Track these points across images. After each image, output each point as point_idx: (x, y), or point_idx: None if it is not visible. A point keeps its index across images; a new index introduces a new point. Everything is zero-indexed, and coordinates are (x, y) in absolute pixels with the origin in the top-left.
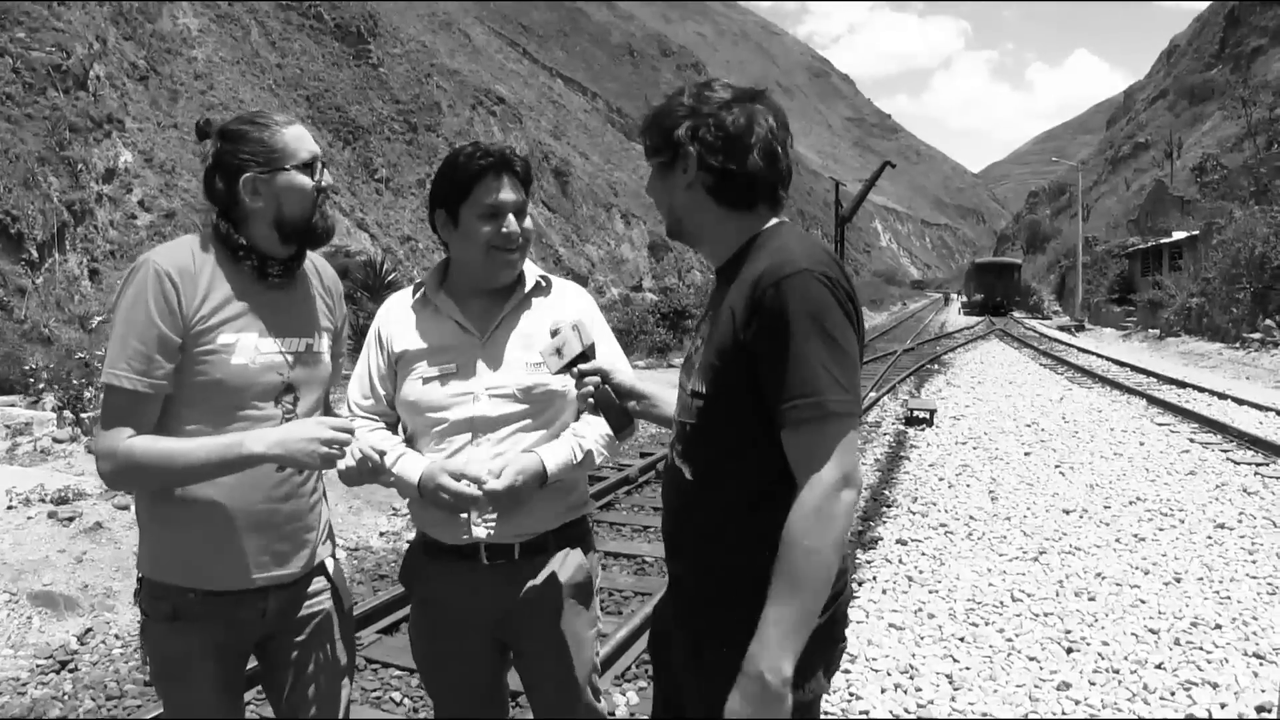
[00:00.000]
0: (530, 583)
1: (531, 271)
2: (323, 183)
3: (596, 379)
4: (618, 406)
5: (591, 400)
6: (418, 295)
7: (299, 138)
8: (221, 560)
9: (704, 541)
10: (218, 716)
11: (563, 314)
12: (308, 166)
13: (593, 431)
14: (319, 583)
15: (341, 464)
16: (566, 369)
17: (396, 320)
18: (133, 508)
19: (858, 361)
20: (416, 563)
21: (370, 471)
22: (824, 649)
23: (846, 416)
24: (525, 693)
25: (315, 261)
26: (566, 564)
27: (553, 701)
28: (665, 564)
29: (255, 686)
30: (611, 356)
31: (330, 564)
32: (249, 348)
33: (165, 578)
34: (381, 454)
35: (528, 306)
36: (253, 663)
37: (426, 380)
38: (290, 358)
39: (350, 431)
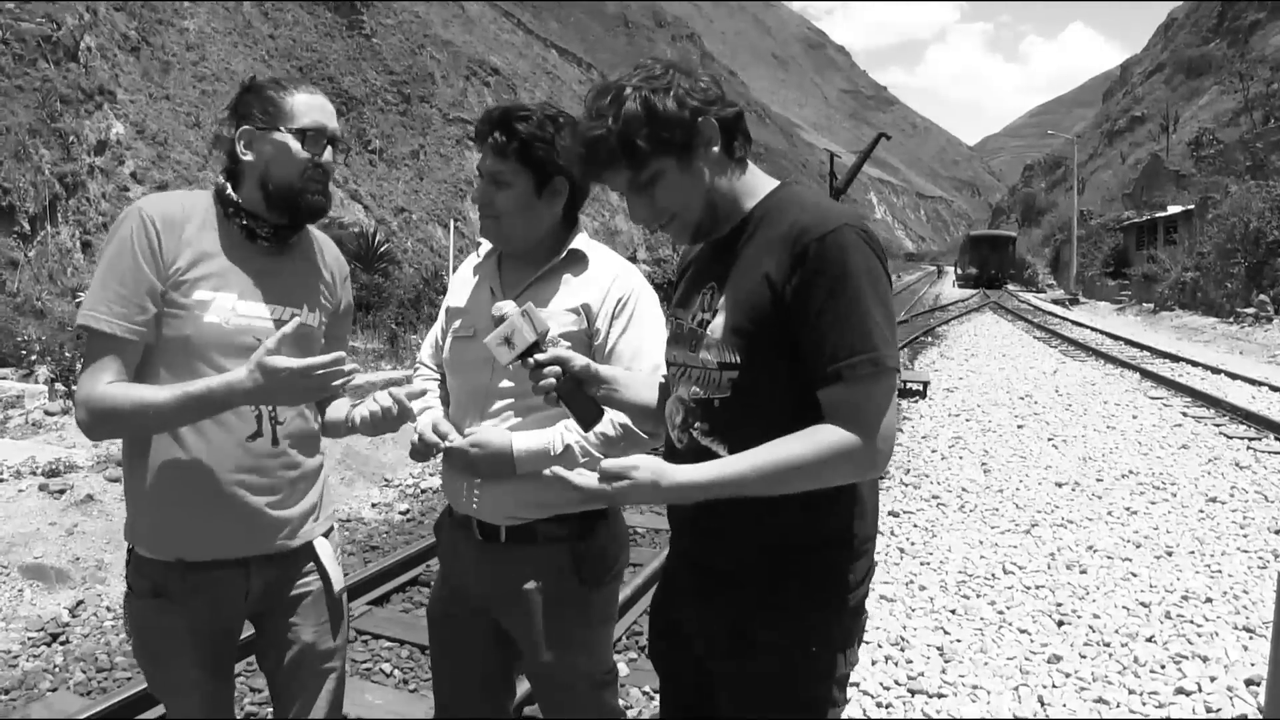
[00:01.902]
0: (516, 571)
1: (573, 240)
2: (320, 158)
3: (556, 370)
4: (583, 397)
5: (554, 394)
6: (479, 257)
7: (308, 105)
8: (193, 528)
9: (749, 520)
10: (197, 693)
11: (584, 291)
12: (304, 134)
13: None
14: (309, 564)
15: (365, 410)
16: (520, 360)
17: (459, 278)
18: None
19: (894, 316)
20: (442, 523)
21: (395, 419)
22: (859, 623)
23: (895, 371)
24: None
25: (319, 239)
26: (553, 559)
27: (541, 698)
28: (685, 552)
29: (249, 656)
30: (634, 348)
31: (322, 545)
32: (225, 308)
33: (144, 548)
34: (419, 394)
35: (556, 278)
36: (249, 630)
37: (454, 339)
38: (272, 324)
39: (336, 364)
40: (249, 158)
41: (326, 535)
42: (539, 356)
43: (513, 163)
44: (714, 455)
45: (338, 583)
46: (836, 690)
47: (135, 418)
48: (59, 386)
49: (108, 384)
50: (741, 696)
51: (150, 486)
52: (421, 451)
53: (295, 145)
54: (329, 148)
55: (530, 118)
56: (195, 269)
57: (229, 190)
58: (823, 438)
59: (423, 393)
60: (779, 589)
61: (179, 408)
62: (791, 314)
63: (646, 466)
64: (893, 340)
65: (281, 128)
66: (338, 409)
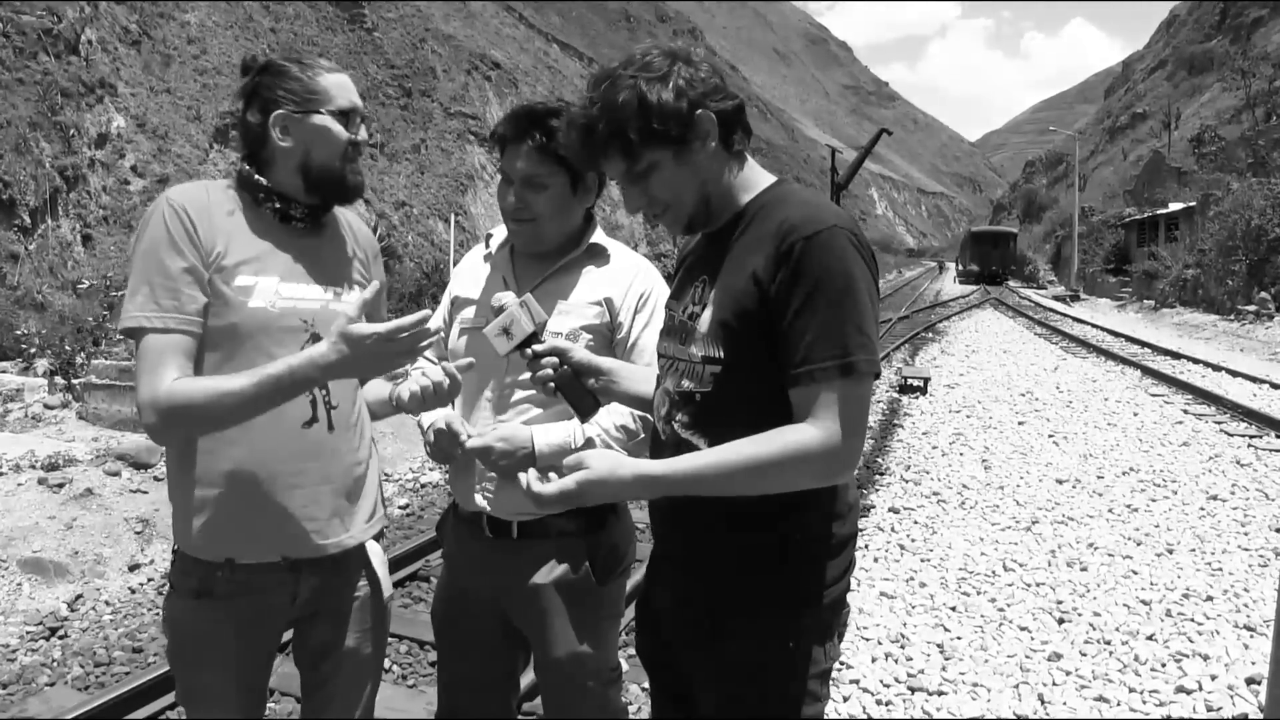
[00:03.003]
0: (528, 566)
1: (592, 234)
2: (358, 137)
3: (554, 360)
4: (580, 389)
5: (552, 385)
6: (488, 247)
7: (341, 85)
8: (244, 528)
9: (725, 514)
10: (229, 705)
11: (606, 285)
12: (343, 115)
13: (605, 420)
14: (358, 571)
15: (409, 388)
16: (518, 350)
17: (464, 269)
18: (123, 474)
19: (878, 321)
20: (445, 521)
21: (446, 393)
22: (839, 617)
23: (868, 377)
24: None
25: (349, 220)
26: (566, 553)
27: (548, 694)
28: (664, 547)
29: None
30: (648, 347)
31: (373, 548)
32: (269, 290)
33: (194, 550)
34: (467, 367)
35: (575, 271)
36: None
37: (462, 331)
38: (318, 305)
39: (421, 323)
40: (287, 144)
41: (378, 538)
42: (537, 347)
43: (550, 164)
44: (693, 448)
45: (387, 589)
46: (816, 684)
47: (213, 409)
48: (59, 380)
49: (174, 380)
50: (720, 692)
51: (198, 485)
52: (442, 453)
53: (337, 127)
54: (363, 124)
55: (559, 113)
56: (232, 254)
57: (255, 175)
58: (785, 439)
59: (470, 364)
60: (754, 585)
61: (259, 391)
62: (774, 311)
63: (598, 462)
64: (870, 346)
65: (321, 110)
66: (377, 389)
